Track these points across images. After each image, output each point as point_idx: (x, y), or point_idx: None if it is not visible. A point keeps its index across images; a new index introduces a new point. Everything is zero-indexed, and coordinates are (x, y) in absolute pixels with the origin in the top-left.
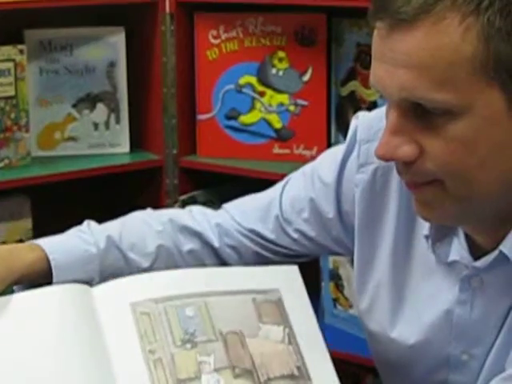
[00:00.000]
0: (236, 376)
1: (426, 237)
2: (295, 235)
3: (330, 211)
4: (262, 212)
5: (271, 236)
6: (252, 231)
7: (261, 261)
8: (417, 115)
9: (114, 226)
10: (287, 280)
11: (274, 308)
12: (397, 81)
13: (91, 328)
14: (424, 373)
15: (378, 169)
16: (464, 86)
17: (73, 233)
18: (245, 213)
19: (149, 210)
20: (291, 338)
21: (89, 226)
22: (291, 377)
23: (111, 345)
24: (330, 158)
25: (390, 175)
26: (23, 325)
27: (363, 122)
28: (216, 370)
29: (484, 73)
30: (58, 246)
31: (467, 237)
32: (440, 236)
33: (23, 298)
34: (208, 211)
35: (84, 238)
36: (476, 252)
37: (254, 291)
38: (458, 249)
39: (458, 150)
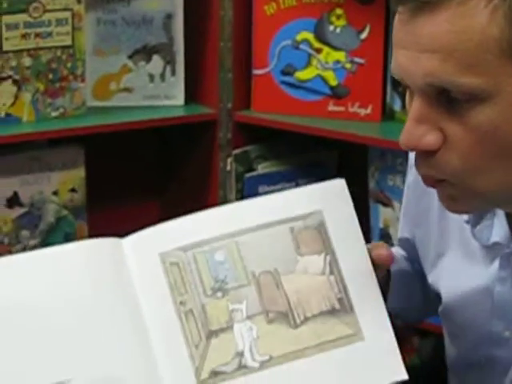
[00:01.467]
0: (270, 321)
1: (467, 222)
2: None
3: None
4: None
5: None
6: None
7: None
8: (441, 102)
9: None
10: (332, 198)
11: (314, 235)
12: (421, 66)
13: (123, 282)
14: (468, 347)
15: None
16: (491, 69)
17: None
18: None
19: None
20: (333, 267)
21: None
22: (331, 312)
23: (143, 298)
24: None
25: None
26: (57, 277)
27: None
28: (248, 318)
29: (511, 55)
30: None
31: (508, 215)
32: (479, 219)
33: (55, 252)
34: None
35: None
36: None
37: (292, 219)
38: (498, 230)
39: (481, 138)
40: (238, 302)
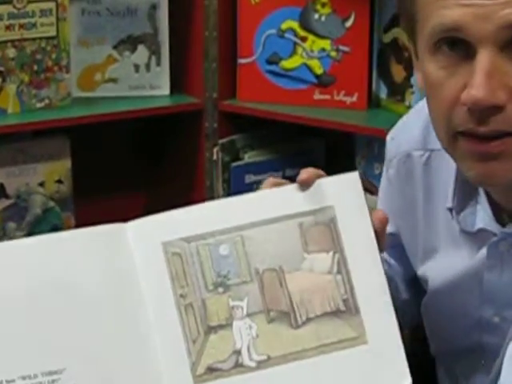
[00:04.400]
0: (270, 320)
1: (450, 209)
2: None
3: None
4: None
5: None
6: None
7: None
8: (510, 53)
9: None
10: (344, 192)
11: (324, 231)
12: (503, 5)
13: (127, 269)
14: (458, 335)
15: (400, 159)
16: None
17: None
18: None
19: None
20: (341, 266)
21: None
22: (335, 313)
23: (144, 288)
24: None
25: (411, 161)
26: (61, 263)
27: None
28: (249, 315)
29: None
30: None
31: (491, 204)
32: (463, 207)
33: (61, 238)
34: None
35: None
36: (500, 217)
37: (303, 213)
38: (482, 217)
39: None
40: (239, 298)
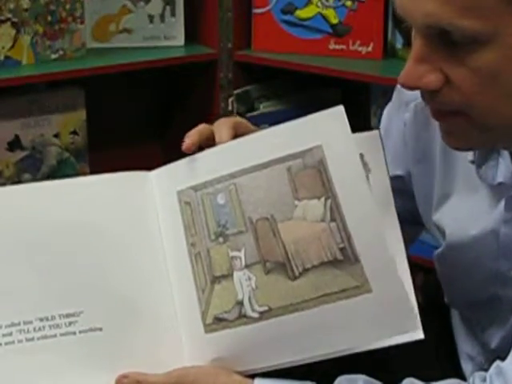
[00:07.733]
0: (267, 271)
1: (472, 162)
2: None
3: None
4: None
5: None
6: None
7: None
8: (442, 44)
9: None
10: (331, 130)
11: (313, 175)
12: (421, 7)
13: (149, 215)
14: (473, 287)
15: (418, 105)
16: (490, 13)
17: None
18: None
19: None
20: (334, 212)
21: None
22: (333, 263)
23: (164, 235)
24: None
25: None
26: (84, 207)
27: None
28: (247, 266)
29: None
30: None
31: None
32: (484, 159)
33: (90, 182)
34: None
35: None
36: None
37: (290, 156)
38: (504, 170)
39: (483, 80)
40: (237, 249)
